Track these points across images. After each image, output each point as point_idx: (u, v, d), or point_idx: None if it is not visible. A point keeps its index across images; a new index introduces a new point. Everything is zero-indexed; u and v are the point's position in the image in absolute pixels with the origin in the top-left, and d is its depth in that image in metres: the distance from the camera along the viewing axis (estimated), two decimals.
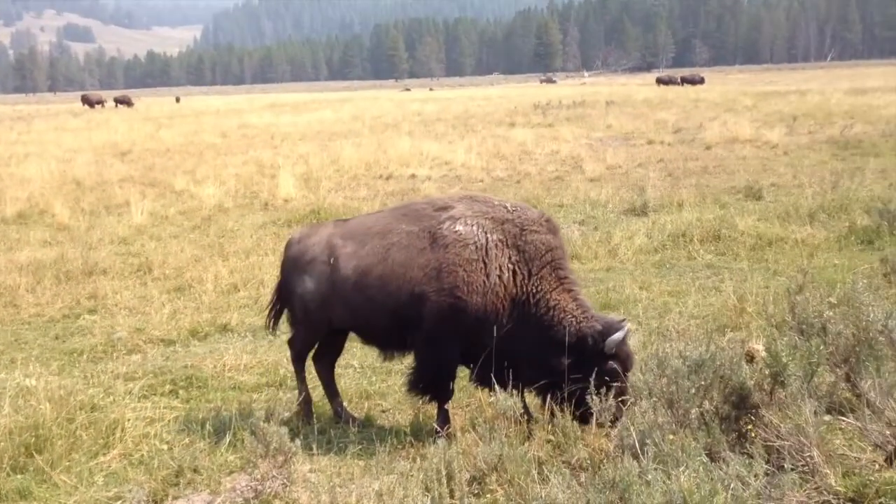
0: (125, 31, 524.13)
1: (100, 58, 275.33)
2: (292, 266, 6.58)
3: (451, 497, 4.78)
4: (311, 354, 6.85)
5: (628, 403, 5.30)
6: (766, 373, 4.98)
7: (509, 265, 5.82)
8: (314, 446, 5.88)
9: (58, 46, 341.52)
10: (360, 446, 6.00)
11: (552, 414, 5.82)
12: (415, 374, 6.18)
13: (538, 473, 5.05)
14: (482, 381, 5.90)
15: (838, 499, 4.17)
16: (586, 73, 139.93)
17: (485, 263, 5.80)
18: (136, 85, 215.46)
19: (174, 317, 9.72)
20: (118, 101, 70.01)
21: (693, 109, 37.96)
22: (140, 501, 5.06)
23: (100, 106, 69.29)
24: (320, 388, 7.24)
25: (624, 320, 5.83)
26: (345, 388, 7.17)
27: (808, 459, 4.38)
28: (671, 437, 4.76)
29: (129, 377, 7.74)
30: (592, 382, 5.30)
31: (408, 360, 6.89)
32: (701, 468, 4.24)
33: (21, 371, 6.97)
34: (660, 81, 71.61)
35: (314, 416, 6.51)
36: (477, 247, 5.83)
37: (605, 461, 5.09)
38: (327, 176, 20.98)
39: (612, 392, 5.31)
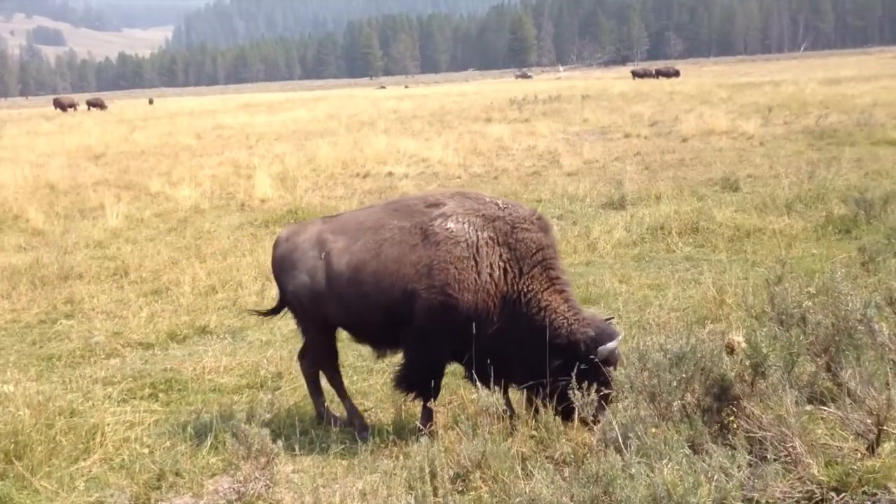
0: (96, 34, 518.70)
1: (71, 61, 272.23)
2: (282, 263, 6.51)
3: (435, 495, 4.77)
4: (299, 351, 6.83)
5: (614, 401, 5.31)
6: (747, 364, 4.98)
7: (500, 263, 5.80)
8: (297, 447, 5.88)
9: (28, 50, 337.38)
10: (342, 446, 5.99)
11: (535, 410, 5.84)
12: (403, 371, 6.14)
13: (522, 469, 5.04)
14: (474, 378, 5.87)
15: (821, 488, 4.19)
16: (561, 68, 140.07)
17: (476, 261, 5.78)
18: (109, 87, 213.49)
19: (152, 320, 9.64)
20: (91, 103, 69.25)
21: (668, 102, 38.16)
22: None
23: (72, 109, 68.53)
24: (302, 388, 7.23)
25: (611, 318, 5.86)
26: (326, 388, 7.11)
27: (790, 450, 4.39)
28: (653, 430, 4.75)
29: (108, 381, 7.68)
30: (581, 384, 5.28)
31: (390, 360, 6.89)
32: (684, 460, 4.24)
33: None
34: (635, 74, 72.07)
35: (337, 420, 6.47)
36: (468, 244, 5.80)
37: (588, 455, 5.08)
38: (304, 175, 20.89)
39: (600, 394, 5.30)
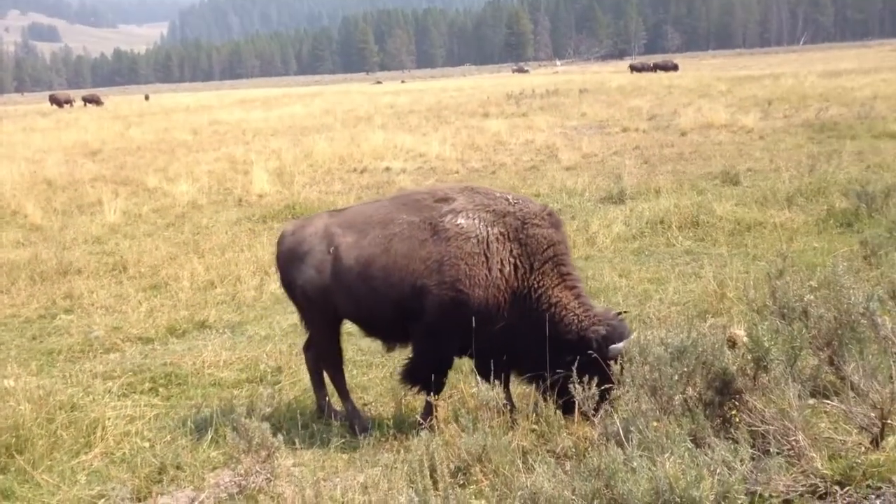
0: (91, 30, 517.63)
1: (66, 57, 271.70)
2: (289, 258, 6.46)
3: (435, 488, 4.76)
4: (304, 343, 6.81)
5: (617, 395, 5.30)
6: (749, 358, 4.97)
7: (511, 259, 5.78)
8: (297, 441, 5.88)
9: (23, 46, 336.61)
10: (343, 440, 5.99)
11: (535, 404, 5.84)
12: (411, 366, 6.12)
13: (523, 463, 5.04)
14: (483, 373, 5.86)
15: (825, 482, 4.18)
16: (558, 62, 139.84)
17: (486, 257, 5.76)
18: (104, 83, 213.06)
19: (151, 315, 9.63)
20: (87, 100, 69.03)
21: (667, 96, 38.06)
22: (123, 499, 5.03)
23: (68, 105, 68.32)
24: (301, 383, 7.23)
25: (623, 314, 5.84)
26: (325, 382, 7.10)
27: (793, 443, 4.38)
28: (655, 423, 4.73)
29: (108, 376, 7.69)
30: (584, 378, 5.27)
31: (387, 354, 6.89)
32: (686, 454, 4.22)
33: None
34: (633, 68, 71.87)
35: (336, 413, 6.46)
36: (479, 240, 5.78)
37: (589, 449, 5.08)
38: (301, 171, 20.84)
39: (602, 389, 5.29)
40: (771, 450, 4.34)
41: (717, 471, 4.12)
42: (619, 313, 5.93)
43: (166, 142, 30.76)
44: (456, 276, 5.74)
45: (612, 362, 5.35)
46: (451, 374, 6.66)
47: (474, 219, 5.86)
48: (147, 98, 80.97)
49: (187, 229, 14.67)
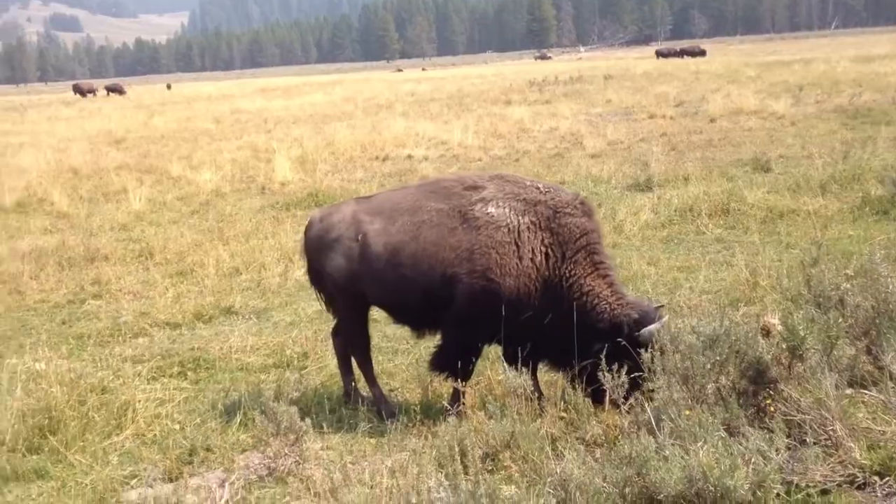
0: (112, 20, 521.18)
1: (88, 47, 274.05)
2: (317, 245, 6.45)
3: (466, 473, 4.75)
4: (333, 328, 6.81)
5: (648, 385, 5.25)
6: (784, 347, 4.92)
7: (542, 248, 5.74)
8: (325, 425, 5.89)
9: (46, 37, 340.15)
10: (370, 424, 5.99)
11: (563, 391, 5.80)
12: (440, 354, 6.11)
13: (552, 450, 5.04)
14: (511, 360, 5.84)
15: (864, 472, 4.13)
16: (582, 49, 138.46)
17: (517, 246, 5.72)
18: (126, 73, 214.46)
19: (178, 300, 9.69)
20: (109, 89, 69.51)
21: (694, 82, 37.45)
22: (156, 479, 5.09)
23: (91, 95, 68.84)
24: (328, 368, 7.25)
25: (661, 306, 5.77)
26: (352, 368, 7.11)
27: (830, 433, 4.33)
28: (687, 412, 4.70)
29: (137, 360, 7.77)
30: (614, 365, 5.23)
31: (413, 340, 6.89)
32: (720, 443, 4.19)
33: (31, 356, 6.95)
34: (659, 54, 71.19)
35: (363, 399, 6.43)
36: (509, 229, 5.75)
37: (620, 437, 5.06)
38: (323, 159, 20.84)
39: (637, 380, 5.23)
40: (807, 440, 4.30)
41: (752, 460, 4.09)
42: (660, 305, 5.85)
43: (189, 130, 30.91)
44: (487, 266, 5.71)
45: (642, 350, 5.30)
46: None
47: (505, 207, 5.83)
48: (169, 87, 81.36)
49: (211, 217, 14.74)
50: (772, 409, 4.70)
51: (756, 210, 11.74)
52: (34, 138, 29.92)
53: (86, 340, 8.57)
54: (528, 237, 5.74)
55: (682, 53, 69.11)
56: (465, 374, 5.94)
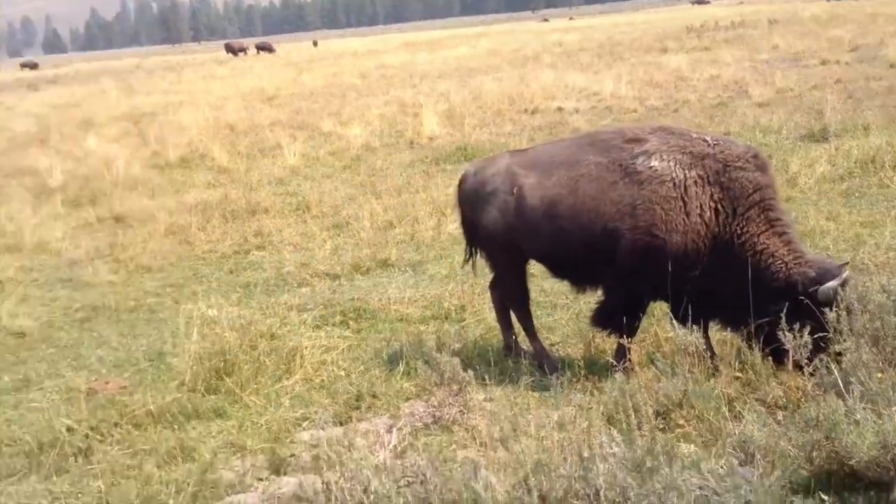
0: None
1: (238, 6, 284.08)
2: (473, 199, 6.42)
3: (640, 429, 4.62)
4: (491, 281, 6.78)
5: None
6: None
7: (711, 203, 5.49)
8: (486, 377, 5.88)
9: None
10: (532, 378, 5.96)
11: (738, 351, 5.55)
12: (604, 309, 5.99)
13: (729, 410, 4.86)
14: (679, 318, 5.64)
15: None
16: None
17: (684, 202, 5.49)
18: (274, 31, 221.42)
19: (336, 252, 9.97)
20: (259, 47, 71.80)
21: (871, 24, 34.17)
22: (327, 422, 5.23)
23: (242, 53, 71.28)
24: (486, 321, 7.24)
25: (845, 265, 5.41)
26: (512, 322, 7.07)
27: None
28: (879, 375, 4.43)
29: (302, 308, 8.03)
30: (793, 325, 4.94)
31: (579, 296, 6.75)
32: None
33: (203, 302, 7.28)
34: None
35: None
36: (675, 184, 5.52)
37: (804, 400, 4.81)
38: (470, 112, 20.71)
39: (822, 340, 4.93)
40: None
41: None
42: (844, 263, 5.47)
43: (336, 86, 31.54)
44: (651, 221, 5.51)
45: (826, 309, 4.98)
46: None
47: (669, 161, 5.58)
48: (315, 44, 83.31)
49: (363, 171, 15.01)
50: None
51: None
52: (192, 97, 31.39)
53: (252, 289, 8.97)
54: (696, 192, 5.49)
55: None
56: (631, 331, 5.78)
